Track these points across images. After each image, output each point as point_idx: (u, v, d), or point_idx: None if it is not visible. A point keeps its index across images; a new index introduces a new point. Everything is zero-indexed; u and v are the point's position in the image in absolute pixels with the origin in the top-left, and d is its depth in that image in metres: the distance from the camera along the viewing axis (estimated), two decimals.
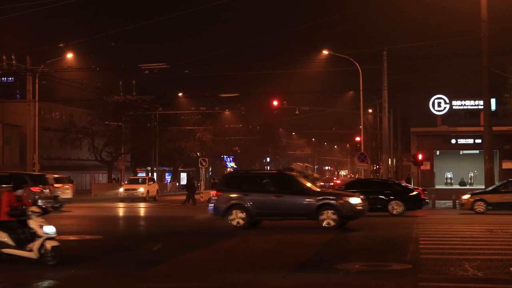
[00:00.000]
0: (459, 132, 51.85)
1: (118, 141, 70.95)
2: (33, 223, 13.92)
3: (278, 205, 22.70)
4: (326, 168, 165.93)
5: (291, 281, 12.29)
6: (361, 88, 47.03)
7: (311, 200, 22.38)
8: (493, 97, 45.44)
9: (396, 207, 29.65)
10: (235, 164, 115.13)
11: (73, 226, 25.42)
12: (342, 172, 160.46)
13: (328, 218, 22.07)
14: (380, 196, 29.97)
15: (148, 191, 50.24)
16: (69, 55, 48.26)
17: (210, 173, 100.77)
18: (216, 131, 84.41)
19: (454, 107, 61.72)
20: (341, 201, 22.28)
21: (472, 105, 63.08)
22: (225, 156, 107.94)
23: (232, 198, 23.05)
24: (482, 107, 41.56)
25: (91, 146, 70.05)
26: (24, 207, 14.34)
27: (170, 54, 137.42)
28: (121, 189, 50.98)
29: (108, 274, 13.17)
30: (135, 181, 52.37)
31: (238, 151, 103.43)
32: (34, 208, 14.19)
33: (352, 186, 31.16)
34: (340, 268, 13.37)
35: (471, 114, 67.65)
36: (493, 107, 48.38)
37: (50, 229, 13.98)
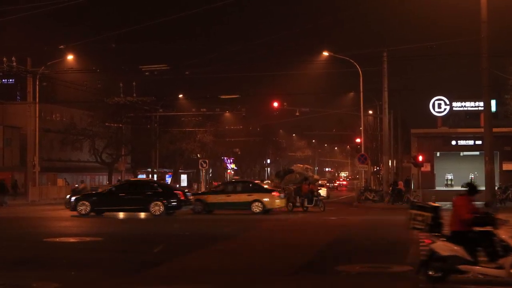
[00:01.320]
0: (460, 134, 51.82)
1: (118, 143, 70.88)
2: (504, 234, 11.66)
3: None
4: (327, 169, 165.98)
5: (293, 283, 12.26)
6: (361, 90, 46.99)
7: None
8: (493, 98, 45.35)
9: (156, 207, 30.56)
10: (236, 166, 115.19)
11: (73, 228, 25.42)
12: (343, 174, 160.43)
13: None
14: (142, 197, 30.86)
15: None
16: (70, 57, 48.24)
17: (210, 175, 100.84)
18: (217, 133, 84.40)
19: (454, 109, 61.64)
20: None
21: (472, 106, 62.97)
22: (225, 158, 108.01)
23: None
24: (482, 108, 41.48)
25: (92, 147, 70.01)
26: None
27: (171, 55, 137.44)
28: None
29: (108, 275, 13.16)
30: None
31: (239, 153, 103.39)
32: (501, 216, 11.93)
33: (119, 188, 32.51)
34: (341, 270, 13.36)
35: (471, 115, 67.57)
36: (493, 108, 48.24)
37: None
